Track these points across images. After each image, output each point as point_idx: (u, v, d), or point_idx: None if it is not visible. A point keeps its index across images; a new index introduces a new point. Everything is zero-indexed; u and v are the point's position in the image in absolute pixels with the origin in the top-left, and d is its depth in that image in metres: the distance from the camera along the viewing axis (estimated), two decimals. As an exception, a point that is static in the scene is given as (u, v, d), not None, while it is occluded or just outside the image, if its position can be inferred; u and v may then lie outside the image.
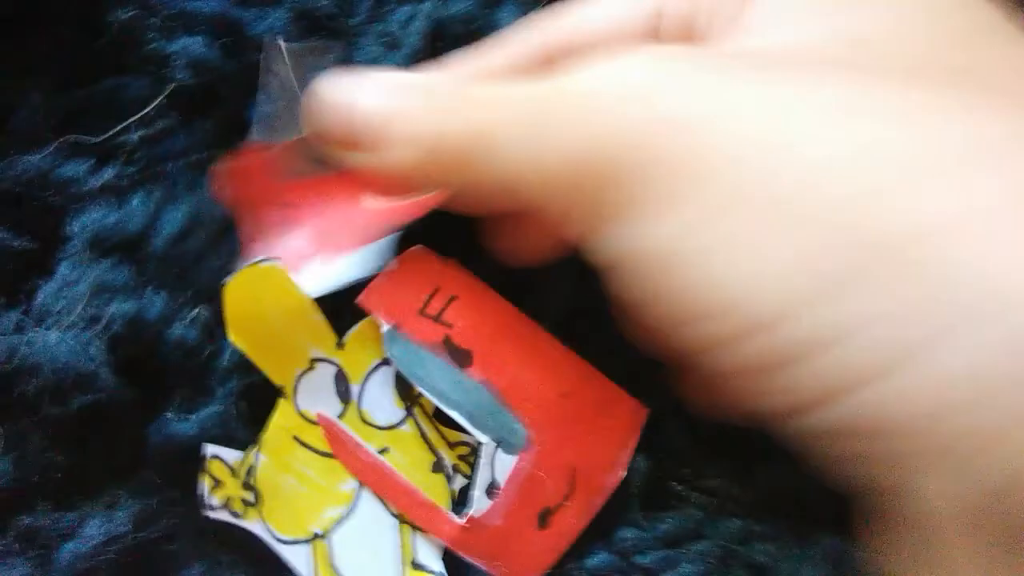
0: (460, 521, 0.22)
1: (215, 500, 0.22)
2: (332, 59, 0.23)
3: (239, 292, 0.22)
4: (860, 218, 0.14)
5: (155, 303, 0.23)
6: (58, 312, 0.22)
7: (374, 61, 0.24)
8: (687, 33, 0.19)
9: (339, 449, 0.23)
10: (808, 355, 0.15)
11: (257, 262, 0.22)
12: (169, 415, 0.22)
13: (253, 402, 0.23)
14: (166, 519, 0.22)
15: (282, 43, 0.22)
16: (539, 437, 0.22)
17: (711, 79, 0.16)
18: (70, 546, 0.21)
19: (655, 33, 0.19)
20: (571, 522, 0.22)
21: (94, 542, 0.21)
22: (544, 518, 0.22)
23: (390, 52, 0.24)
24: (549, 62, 0.20)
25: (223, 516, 0.22)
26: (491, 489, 0.22)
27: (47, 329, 0.21)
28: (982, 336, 0.14)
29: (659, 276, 0.16)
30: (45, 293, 0.22)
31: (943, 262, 0.14)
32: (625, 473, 0.22)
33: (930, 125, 0.15)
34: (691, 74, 0.16)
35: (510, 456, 0.22)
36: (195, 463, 0.22)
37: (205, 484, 0.22)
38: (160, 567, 0.22)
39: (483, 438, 0.22)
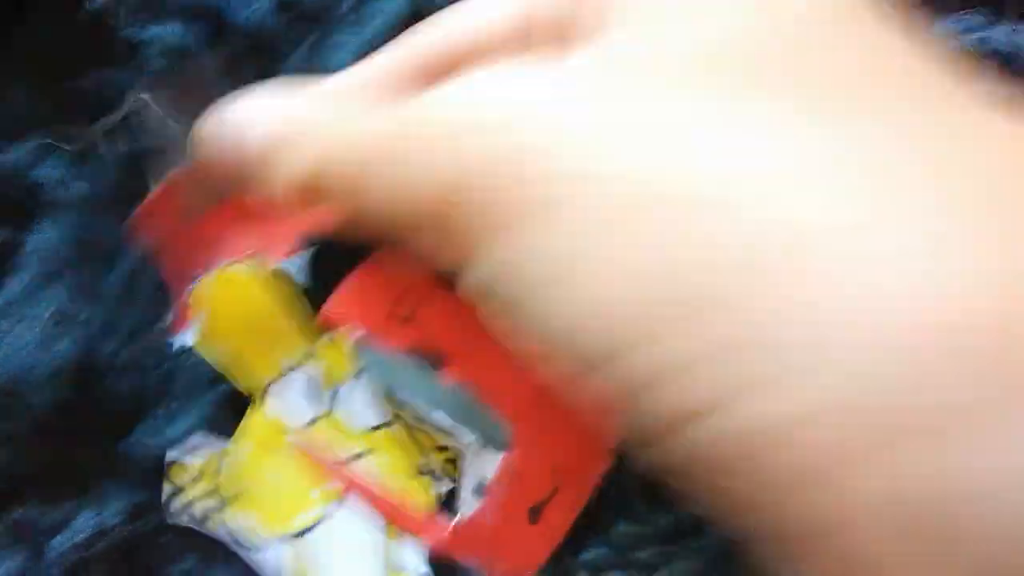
0: (451, 523, 0.22)
1: (176, 505, 0.22)
2: (208, 87, 0.22)
3: (208, 299, 0.22)
4: (691, 246, 0.14)
5: (131, 311, 0.22)
6: (31, 307, 0.22)
7: (343, 46, 0.23)
8: (558, 34, 0.19)
9: (324, 467, 0.23)
10: (645, 389, 0.15)
11: (224, 267, 0.22)
12: (157, 415, 0.22)
13: (231, 410, 0.23)
14: (156, 513, 0.22)
15: (146, 97, 0.22)
16: (521, 433, 0.22)
17: (557, 99, 0.16)
18: (61, 538, 0.22)
19: (527, 36, 0.19)
20: (561, 515, 0.22)
21: (85, 534, 0.22)
22: (535, 513, 0.22)
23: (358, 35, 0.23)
24: (429, 71, 0.20)
25: (185, 522, 0.22)
26: (480, 488, 0.22)
27: (19, 322, 0.21)
28: (801, 389, 0.13)
29: (502, 311, 0.16)
30: (17, 285, 0.22)
31: (767, 297, 0.14)
32: (609, 463, 0.22)
33: (762, 136, 0.15)
34: (536, 94, 0.16)
35: (496, 454, 0.22)
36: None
37: (166, 490, 0.22)
38: (152, 560, 0.22)
39: (468, 437, 0.22)
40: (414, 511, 0.22)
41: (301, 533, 0.22)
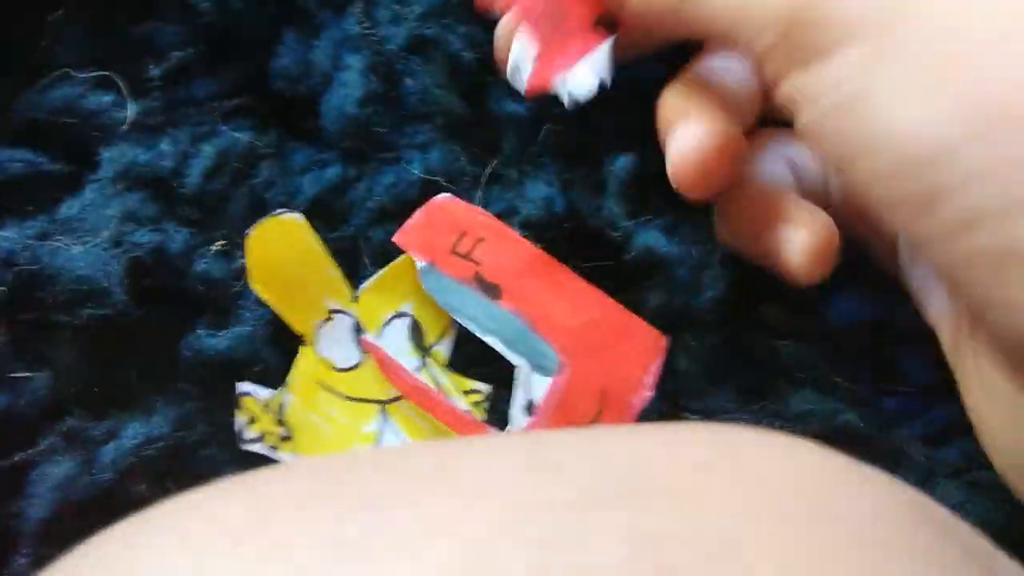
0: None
1: (251, 433, 0.23)
2: None
3: (261, 243, 0.24)
4: (1004, 70, 0.17)
5: (178, 238, 0.23)
6: (83, 230, 0.23)
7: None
8: None
9: (388, 371, 0.24)
10: (953, 192, 0.17)
11: (278, 215, 0.24)
12: (200, 332, 0.23)
13: (282, 329, 0.24)
14: (201, 425, 0.23)
15: None
16: (569, 361, 0.24)
17: None
18: (111, 445, 0.22)
19: None
20: None
21: (134, 442, 0.22)
22: None
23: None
24: None
25: (259, 449, 0.23)
26: (529, 407, 0.24)
27: (71, 243, 0.22)
28: None
29: (832, 114, 0.19)
30: (71, 208, 0.23)
31: None
32: (651, 393, 0.24)
33: None
34: None
35: (544, 378, 0.24)
36: (226, 377, 0.23)
37: (242, 419, 0.23)
38: (197, 469, 0.23)
39: (518, 361, 0.24)
40: (473, 423, 0.24)
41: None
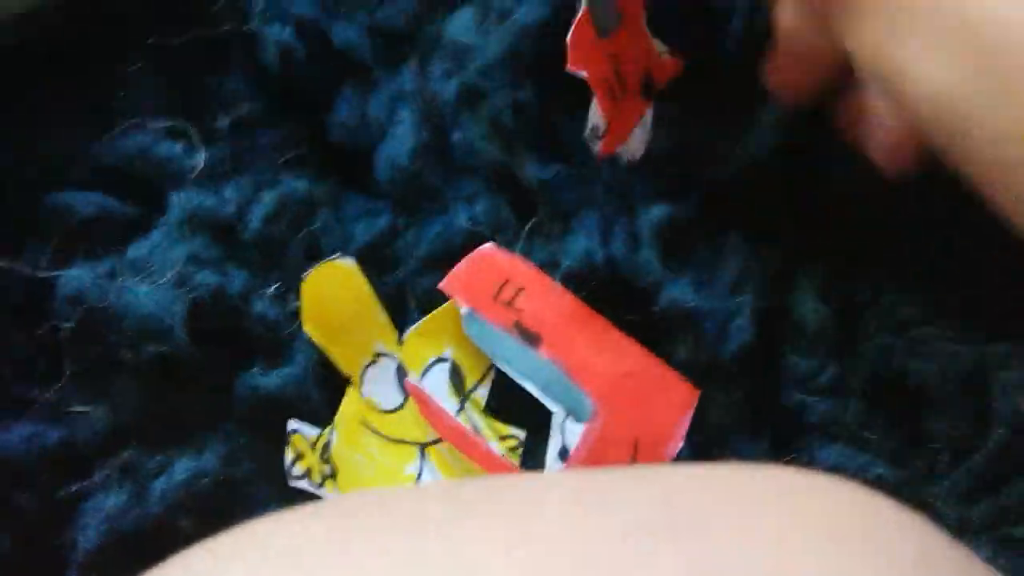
0: None
1: (298, 470, 0.24)
2: None
3: (315, 287, 0.25)
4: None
5: (237, 279, 0.25)
6: (150, 270, 0.24)
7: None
8: None
9: (426, 411, 0.25)
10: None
11: (332, 260, 0.25)
12: (254, 371, 0.24)
13: (330, 371, 0.25)
14: (248, 462, 0.24)
15: None
16: (604, 410, 0.24)
17: None
18: (162, 479, 0.23)
19: None
20: None
21: (183, 477, 0.23)
22: None
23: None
24: None
25: (304, 485, 0.24)
26: (563, 453, 0.24)
27: (138, 282, 0.23)
28: None
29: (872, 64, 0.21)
30: (139, 249, 0.24)
31: None
32: (681, 444, 0.25)
33: None
34: None
35: (578, 425, 0.24)
36: (276, 415, 0.24)
37: (289, 455, 0.24)
38: (242, 506, 0.23)
39: (554, 407, 0.24)
40: (507, 466, 0.25)
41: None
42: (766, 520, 0.14)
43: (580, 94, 0.26)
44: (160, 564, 0.15)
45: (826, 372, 0.26)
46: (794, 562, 0.13)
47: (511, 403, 0.25)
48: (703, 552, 0.13)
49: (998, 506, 0.24)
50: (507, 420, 0.25)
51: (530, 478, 0.17)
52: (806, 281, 0.26)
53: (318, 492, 0.24)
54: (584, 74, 0.24)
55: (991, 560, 0.23)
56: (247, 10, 0.26)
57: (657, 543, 0.13)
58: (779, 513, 0.14)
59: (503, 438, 0.25)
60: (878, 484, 0.24)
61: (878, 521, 0.15)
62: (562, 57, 0.25)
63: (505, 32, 0.26)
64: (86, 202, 0.24)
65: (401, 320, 0.26)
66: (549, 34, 0.26)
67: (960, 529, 0.24)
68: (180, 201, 0.24)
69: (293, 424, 0.24)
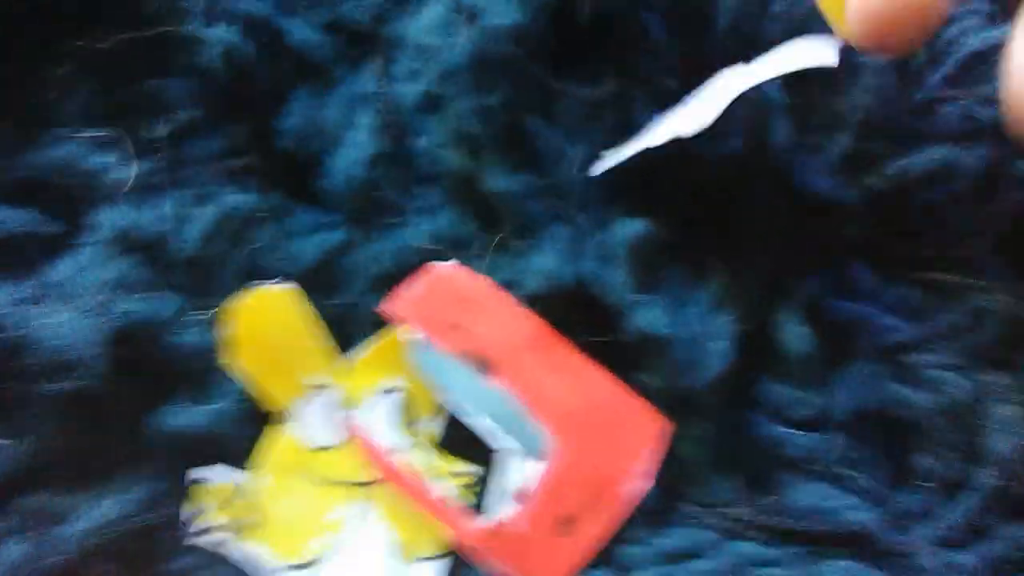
0: (486, 525, 0.22)
1: (195, 526, 0.22)
2: None
3: (247, 315, 0.23)
4: None
5: (168, 305, 0.23)
6: (73, 293, 0.22)
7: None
8: None
9: (369, 454, 0.23)
10: None
11: (265, 285, 0.23)
12: (175, 407, 0.22)
13: (264, 406, 0.23)
14: (165, 507, 0.22)
15: None
16: (564, 445, 0.22)
17: None
18: (70, 527, 0.22)
19: None
20: (595, 531, 0.23)
21: (92, 524, 0.22)
22: (568, 525, 0.22)
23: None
24: None
25: (201, 543, 0.22)
26: (516, 494, 0.22)
27: (59, 307, 0.22)
28: None
29: None
30: (63, 270, 0.22)
31: None
32: (651, 484, 0.23)
33: None
34: None
35: (535, 463, 0.22)
36: (202, 456, 0.22)
37: (186, 510, 0.22)
38: (155, 553, 0.22)
39: (508, 444, 0.23)
40: (456, 511, 0.23)
41: (311, 563, 0.23)
42: None
43: (553, 100, 0.24)
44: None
45: (808, 402, 0.24)
46: None
47: (467, 438, 0.23)
48: None
49: (991, 556, 0.22)
50: (463, 456, 0.24)
51: None
52: (790, 301, 0.25)
53: (215, 551, 0.22)
54: None
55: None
56: (188, 7, 0.24)
57: None
58: None
59: (457, 475, 0.24)
60: (856, 530, 0.23)
61: None
62: (534, 61, 0.23)
63: (475, 33, 0.24)
64: (7, 218, 0.22)
65: (352, 345, 0.24)
66: (521, 37, 0.24)
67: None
68: (110, 218, 0.22)
69: (194, 473, 0.22)
